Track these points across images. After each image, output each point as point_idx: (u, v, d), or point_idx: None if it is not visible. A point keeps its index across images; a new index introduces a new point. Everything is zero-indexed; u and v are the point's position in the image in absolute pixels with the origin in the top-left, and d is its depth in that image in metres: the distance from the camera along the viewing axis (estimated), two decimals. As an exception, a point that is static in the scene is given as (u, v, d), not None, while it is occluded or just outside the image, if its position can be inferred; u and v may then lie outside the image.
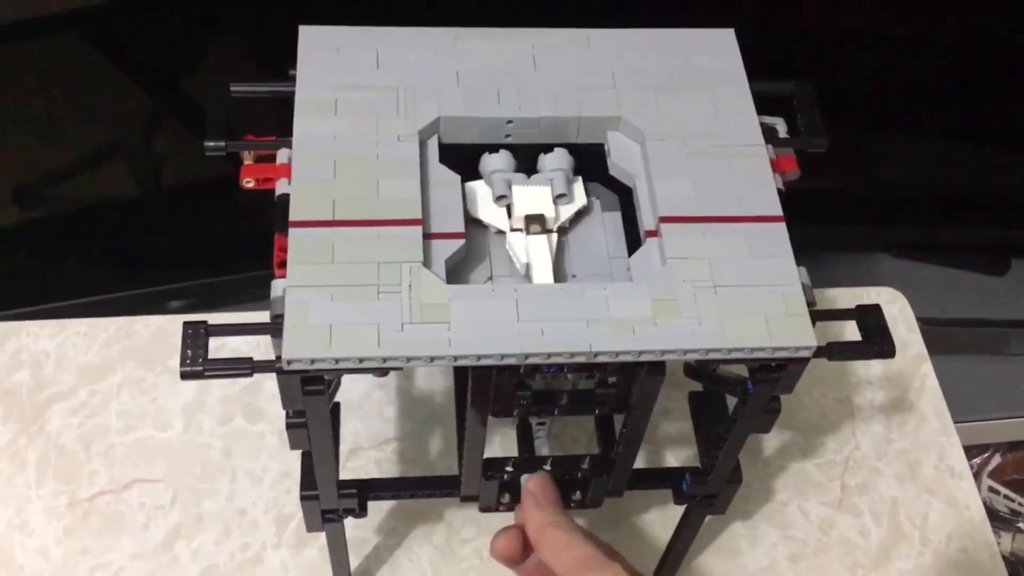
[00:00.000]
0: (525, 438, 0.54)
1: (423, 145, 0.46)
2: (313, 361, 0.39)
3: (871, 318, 0.45)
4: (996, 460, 1.25)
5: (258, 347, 0.67)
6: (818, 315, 0.43)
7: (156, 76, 0.91)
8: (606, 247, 0.47)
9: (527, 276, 0.45)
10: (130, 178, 0.99)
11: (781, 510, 0.66)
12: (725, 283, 0.43)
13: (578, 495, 0.51)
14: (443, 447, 0.67)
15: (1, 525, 0.62)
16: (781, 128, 0.49)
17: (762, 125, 0.49)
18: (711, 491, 0.53)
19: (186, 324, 0.41)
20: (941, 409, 0.71)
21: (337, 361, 0.39)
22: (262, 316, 0.42)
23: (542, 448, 0.54)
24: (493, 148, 0.48)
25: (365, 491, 0.51)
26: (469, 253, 0.46)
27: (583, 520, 0.61)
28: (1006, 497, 1.23)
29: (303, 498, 0.50)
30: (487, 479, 0.49)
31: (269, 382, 0.68)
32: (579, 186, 0.48)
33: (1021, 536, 1.22)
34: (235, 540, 0.63)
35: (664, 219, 0.45)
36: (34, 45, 0.85)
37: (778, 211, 0.45)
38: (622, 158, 0.48)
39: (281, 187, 0.45)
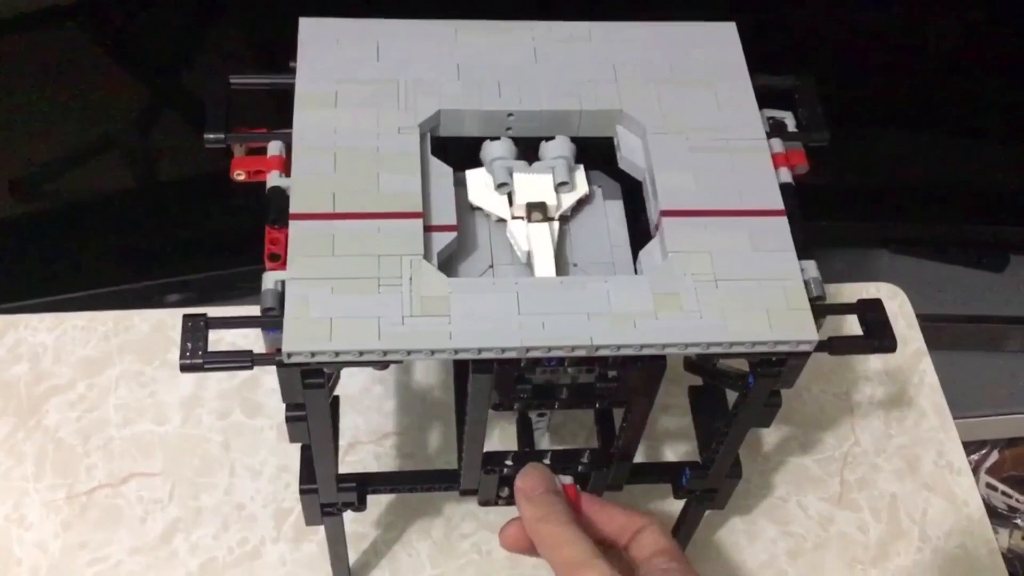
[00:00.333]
0: (525, 432, 0.54)
1: (423, 138, 0.46)
2: (313, 354, 0.39)
3: (872, 313, 0.45)
4: (994, 457, 1.25)
5: (257, 341, 0.67)
6: (820, 309, 0.43)
7: (155, 69, 0.91)
8: (608, 236, 0.47)
9: (528, 264, 0.45)
10: (128, 171, 0.99)
11: (780, 505, 0.66)
12: (726, 277, 0.43)
13: (578, 488, 0.51)
14: (442, 441, 0.67)
15: (-1, 518, 0.62)
16: (790, 122, 0.49)
17: (771, 119, 0.49)
18: (710, 486, 0.53)
19: (186, 317, 0.41)
20: (940, 405, 0.71)
21: (337, 354, 0.39)
22: (262, 309, 0.41)
23: (542, 442, 0.54)
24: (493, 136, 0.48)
25: (364, 485, 0.51)
26: (470, 242, 0.45)
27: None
28: (1004, 494, 1.23)
29: (302, 491, 0.50)
30: (487, 473, 0.49)
31: (268, 376, 0.68)
32: (581, 174, 0.48)
33: (1018, 532, 1.22)
34: (233, 534, 0.63)
35: (665, 213, 0.44)
36: (31, 37, 0.85)
37: (779, 205, 0.45)
38: (631, 152, 0.47)
39: (272, 180, 0.44)
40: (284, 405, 0.43)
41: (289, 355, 0.39)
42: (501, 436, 0.66)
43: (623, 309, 0.41)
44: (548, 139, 0.48)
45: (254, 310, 0.41)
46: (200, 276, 0.99)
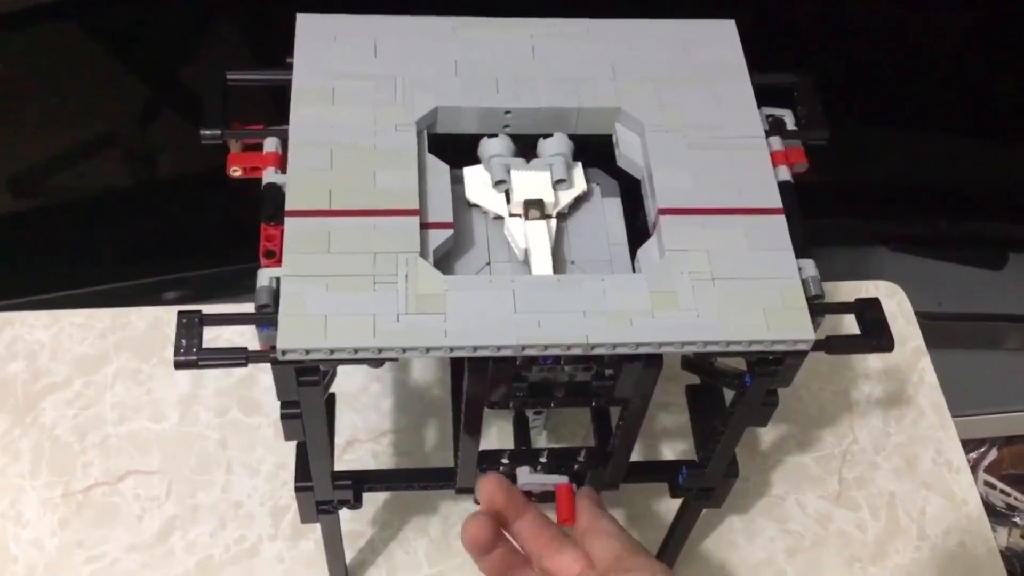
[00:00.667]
0: (521, 430, 0.54)
1: (420, 135, 0.46)
2: (308, 351, 0.39)
3: (870, 312, 0.44)
4: (992, 455, 1.25)
5: (253, 338, 0.67)
6: (818, 308, 0.42)
7: (152, 65, 0.90)
8: (606, 233, 0.47)
9: (526, 262, 0.45)
10: (126, 168, 0.99)
11: (778, 504, 0.66)
12: (724, 275, 0.42)
13: (574, 488, 0.51)
14: (439, 439, 0.67)
15: (-5, 516, 0.62)
16: (789, 120, 0.49)
17: (770, 117, 0.49)
18: (707, 485, 0.52)
19: (180, 314, 0.41)
20: (939, 403, 0.71)
21: (332, 352, 0.39)
22: (258, 307, 0.41)
23: (538, 440, 0.54)
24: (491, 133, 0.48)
25: (360, 482, 0.51)
26: (467, 239, 0.45)
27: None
28: (1002, 492, 1.23)
29: (298, 489, 0.50)
30: (483, 471, 0.49)
31: (265, 374, 0.68)
32: (579, 171, 0.48)
33: (1017, 530, 1.22)
34: (230, 532, 0.63)
35: (663, 211, 0.44)
36: (29, 34, 0.85)
37: (777, 203, 0.45)
38: (630, 149, 0.47)
39: (268, 176, 0.44)
40: (280, 402, 0.43)
41: (284, 352, 0.39)
42: (498, 434, 0.65)
43: (620, 307, 0.41)
44: (546, 136, 0.48)
45: (250, 307, 0.41)
46: (197, 273, 0.99)
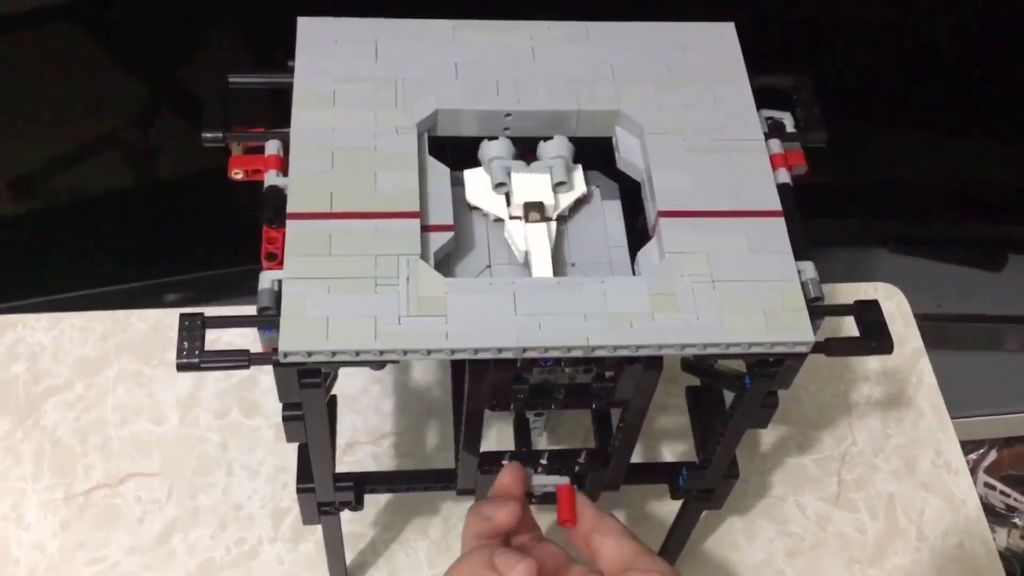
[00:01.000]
0: (522, 432, 0.54)
1: (420, 137, 0.46)
2: (310, 354, 0.39)
3: (869, 314, 0.45)
4: (992, 456, 1.25)
5: (255, 340, 0.67)
6: (818, 311, 0.43)
7: (153, 67, 0.90)
8: (606, 236, 0.47)
9: (526, 264, 0.45)
10: (127, 170, 0.99)
11: (778, 505, 0.66)
12: (723, 278, 0.42)
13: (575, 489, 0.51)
14: (440, 441, 0.67)
15: (-4, 518, 0.62)
16: (789, 123, 0.49)
17: (770, 120, 0.49)
18: (707, 486, 0.53)
19: (182, 316, 0.41)
20: (938, 405, 0.72)
21: (334, 354, 0.39)
22: (260, 309, 0.41)
23: (539, 442, 0.54)
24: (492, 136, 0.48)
25: (361, 484, 0.51)
26: (468, 241, 0.46)
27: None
28: (1002, 493, 1.23)
29: (299, 491, 0.50)
30: (483, 473, 0.49)
31: (266, 376, 0.68)
32: (579, 174, 0.48)
33: (1016, 531, 1.22)
34: (231, 534, 0.63)
35: (662, 213, 0.44)
36: (30, 35, 0.85)
37: (777, 206, 0.45)
38: (630, 152, 0.47)
39: (269, 179, 0.44)
40: (281, 404, 0.43)
41: (285, 355, 0.39)
42: (499, 436, 0.66)
43: (620, 310, 0.41)
44: (546, 139, 0.48)
45: (252, 310, 0.41)
46: (199, 275, 0.99)
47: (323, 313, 0.40)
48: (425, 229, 0.43)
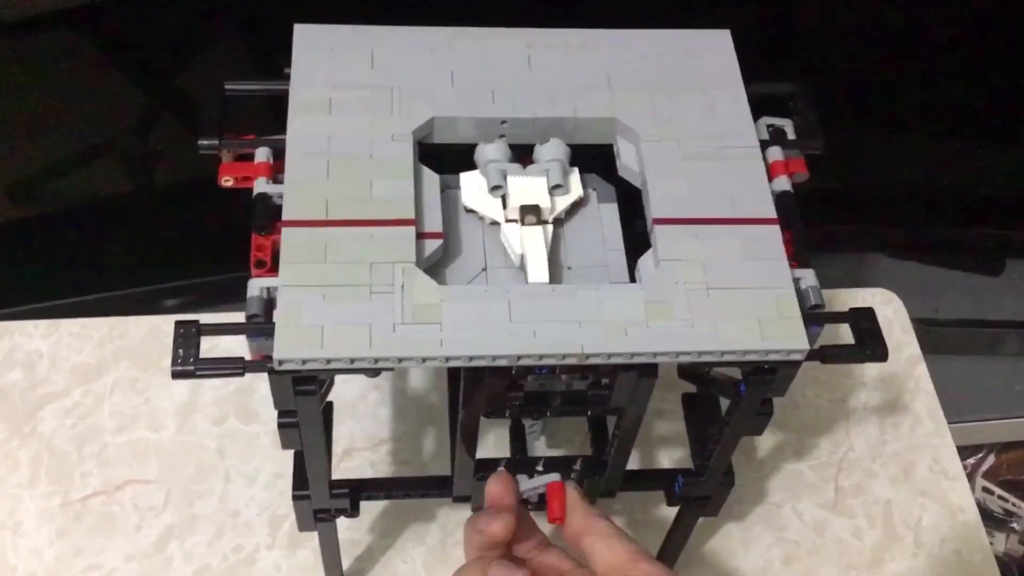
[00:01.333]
0: (518, 438, 0.54)
1: (416, 145, 0.46)
2: (304, 361, 0.39)
3: (864, 321, 0.45)
4: (990, 460, 1.25)
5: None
6: (813, 318, 0.43)
7: (150, 73, 0.91)
8: (602, 239, 0.47)
9: (522, 268, 0.45)
10: (124, 175, 0.99)
11: (775, 511, 0.66)
12: (718, 285, 0.43)
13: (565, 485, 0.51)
14: (437, 448, 0.67)
15: (-7, 525, 0.62)
16: (789, 130, 0.49)
17: (771, 127, 0.49)
18: (704, 493, 0.53)
19: (178, 323, 0.41)
20: (935, 410, 0.71)
21: (328, 361, 0.39)
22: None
23: (535, 449, 0.54)
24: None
25: (357, 491, 0.51)
26: (464, 244, 0.46)
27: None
28: (1000, 497, 1.23)
29: (295, 497, 0.50)
30: (479, 480, 0.49)
31: (263, 383, 0.68)
32: (575, 177, 0.48)
33: (1015, 536, 1.22)
34: (228, 541, 0.63)
35: (658, 220, 0.44)
36: (27, 42, 0.85)
37: (772, 213, 0.45)
38: (629, 159, 0.48)
39: (259, 186, 0.45)
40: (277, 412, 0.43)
41: (280, 362, 0.39)
42: (495, 442, 0.65)
43: (614, 317, 0.41)
44: (542, 141, 0.48)
45: (246, 317, 0.41)
46: (196, 281, 0.99)
47: (318, 320, 0.40)
48: (420, 236, 0.43)
